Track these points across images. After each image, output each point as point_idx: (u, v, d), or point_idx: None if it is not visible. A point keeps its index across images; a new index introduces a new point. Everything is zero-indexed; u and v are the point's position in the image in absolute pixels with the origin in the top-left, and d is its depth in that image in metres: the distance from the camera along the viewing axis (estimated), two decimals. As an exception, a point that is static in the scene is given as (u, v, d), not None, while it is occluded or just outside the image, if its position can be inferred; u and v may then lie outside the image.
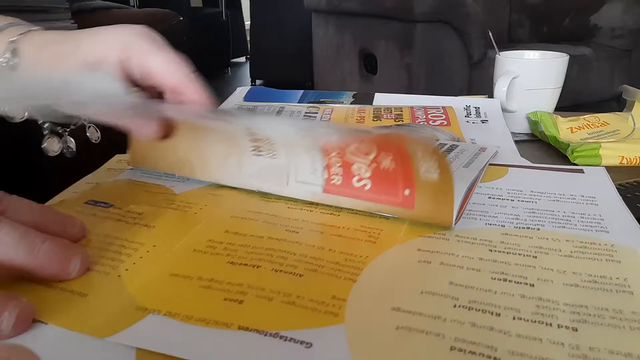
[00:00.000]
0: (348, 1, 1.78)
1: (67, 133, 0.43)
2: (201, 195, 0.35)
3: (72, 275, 0.24)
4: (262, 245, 0.28)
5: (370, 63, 1.76)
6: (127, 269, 0.26)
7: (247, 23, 2.82)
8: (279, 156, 0.35)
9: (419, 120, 0.52)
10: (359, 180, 0.32)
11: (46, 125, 0.39)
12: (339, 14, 1.92)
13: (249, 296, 0.23)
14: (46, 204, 0.34)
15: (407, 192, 0.30)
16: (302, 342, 0.20)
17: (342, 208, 0.32)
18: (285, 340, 0.20)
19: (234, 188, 0.36)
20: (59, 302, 0.23)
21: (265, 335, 0.21)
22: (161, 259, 0.27)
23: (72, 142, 0.42)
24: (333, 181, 0.32)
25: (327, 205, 0.33)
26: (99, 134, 0.44)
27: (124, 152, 0.42)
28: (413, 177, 0.31)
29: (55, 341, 0.21)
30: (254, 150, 0.36)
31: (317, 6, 2.03)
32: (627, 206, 0.32)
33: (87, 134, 0.44)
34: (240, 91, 0.63)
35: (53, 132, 0.41)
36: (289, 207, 0.33)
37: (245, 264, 0.26)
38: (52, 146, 0.41)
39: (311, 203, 0.33)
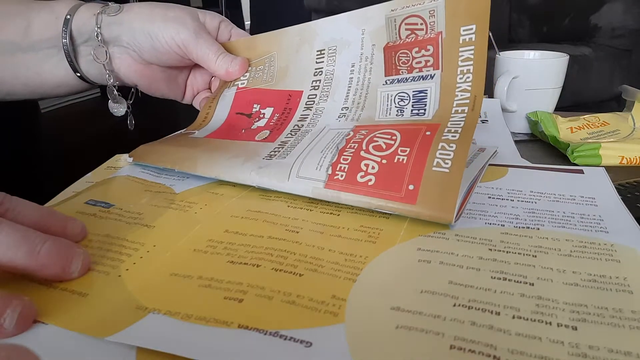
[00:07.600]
0: (348, 1, 1.78)
1: (130, 106, 0.47)
2: (201, 194, 0.35)
3: (74, 275, 0.25)
4: (262, 244, 0.28)
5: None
6: (127, 269, 0.26)
7: (247, 23, 2.82)
8: (289, 157, 0.35)
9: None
10: (363, 177, 0.32)
11: (115, 88, 0.45)
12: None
13: (249, 295, 0.23)
14: (46, 204, 0.34)
15: (411, 187, 0.30)
16: (301, 342, 0.20)
17: (342, 208, 0.32)
18: (285, 339, 0.20)
19: (234, 187, 0.36)
20: (59, 302, 0.23)
21: (265, 334, 0.21)
22: (161, 258, 0.27)
23: (130, 116, 0.48)
24: (337, 177, 0.32)
25: (327, 205, 0.33)
26: (133, 122, 0.49)
27: (124, 152, 0.42)
28: (422, 172, 0.31)
29: (55, 341, 0.21)
30: (266, 157, 0.36)
31: (317, 6, 2.03)
32: (627, 206, 0.32)
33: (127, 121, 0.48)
34: None
35: (118, 97, 0.46)
36: (289, 206, 0.33)
37: (245, 263, 0.26)
38: (120, 107, 0.47)
39: (311, 202, 0.33)
